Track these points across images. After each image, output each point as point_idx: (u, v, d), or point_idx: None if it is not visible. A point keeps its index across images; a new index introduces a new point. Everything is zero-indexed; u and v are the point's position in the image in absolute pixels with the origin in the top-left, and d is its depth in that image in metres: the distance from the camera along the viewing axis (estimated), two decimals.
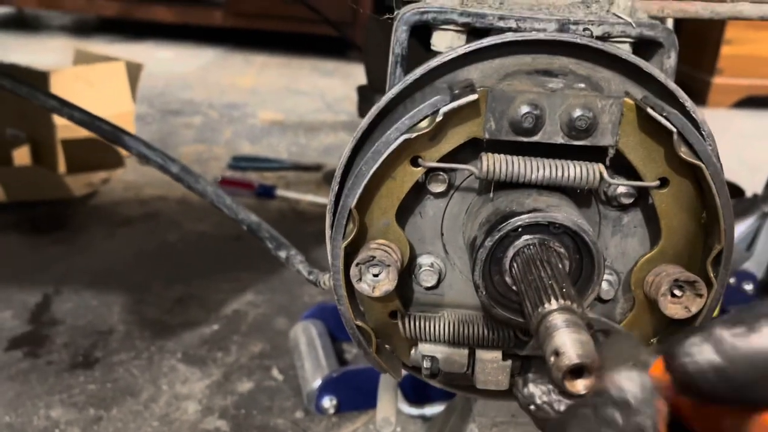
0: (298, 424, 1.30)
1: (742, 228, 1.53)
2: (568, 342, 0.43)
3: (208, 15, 4.46)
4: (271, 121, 3.23)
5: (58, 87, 2.24)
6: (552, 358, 0.43)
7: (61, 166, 2.27)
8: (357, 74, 4.13)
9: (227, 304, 1.67)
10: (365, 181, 0.55)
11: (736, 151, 3.19)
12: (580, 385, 0.42)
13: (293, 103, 3.55)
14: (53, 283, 1.70)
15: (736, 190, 2.27)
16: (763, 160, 2.96)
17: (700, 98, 4.11)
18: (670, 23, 0.99)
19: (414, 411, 1.27)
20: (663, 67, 0.65)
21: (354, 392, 1.30)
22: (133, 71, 2.63)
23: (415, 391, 1.29)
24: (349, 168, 0.61)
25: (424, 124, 0.54)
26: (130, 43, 4.62)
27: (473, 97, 0.52)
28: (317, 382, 1.30)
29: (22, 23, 5.01)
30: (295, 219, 2.17)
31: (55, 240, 1.94)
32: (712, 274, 0.56)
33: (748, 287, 1.45)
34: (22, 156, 2.22)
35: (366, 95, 1.57)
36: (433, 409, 1.26)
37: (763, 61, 3.96)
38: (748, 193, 1.93)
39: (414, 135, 0.53)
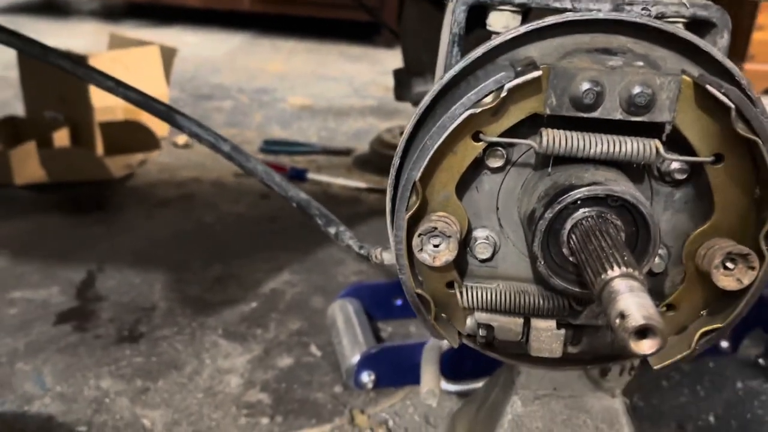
0: (337, 398, 1.33)
1: None
2: (633, 305, 0.45)
3: (236, 0, 4.50)
4: (300, 105, 3.26)
5: None
6: (617, 320, 0.45)
7: (99, 149, 2.32)
8: (384, 60, 4.16)
9: (265, 283, 1.71)
10: (430, 155, 0.57)
11: None
12: (645, 346, 0.44)
13: (322, 88, 3.58)
14: (96, 261, 1.76)
15: None
16: None
17: None
18: None
19: (451, 387, 1.30)
20: (716, 47, 0.66)
21: (392, 368, 1.34)
22: (168, 55, 2.68)
23: (452, 368, 1.31)
24: (411, 143, 0.64)
25: (488, 99, 0.56)
26: (157, 28, 4.67)
27: (537, 73, 0.54)
28: (356, 358, 1.33)
29: (52, 8, 5.09)
30: (327, 202, 2.20)
31: (96, 220, 2.00)
32: (764, 247, 0.58)
33: None
34: (61, 138, 2.28)
35: (402, 79, 1.58)
36: (469, 386, 1.29)
37: None
38: None
39: (479, 110, 0.56)
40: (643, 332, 0.44)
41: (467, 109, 0.56)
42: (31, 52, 1.03)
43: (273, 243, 1.89)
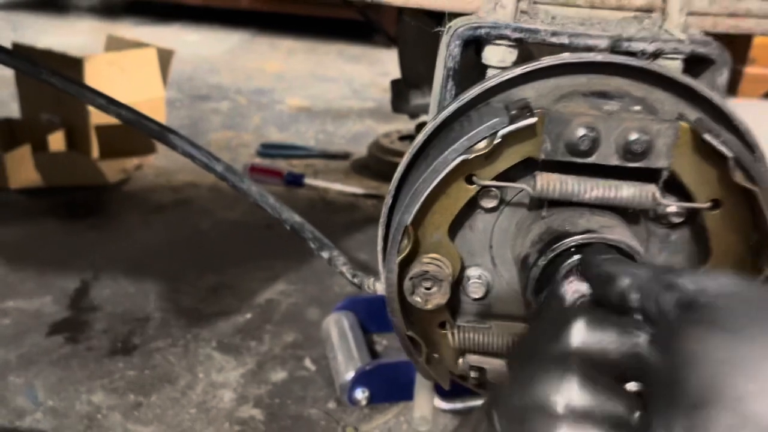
0: (331, 414, 1.33)
1: None
2: None
3: None
4: (298, 107, 3.25)
5: (92, 73, 2.27)
6: None
7: (95, 152, 2.31)
8: (383, 60, 4.14)
9: (260, 293, 1.70)
10: (422, 200, 0.56)
11: (765, 142, 3.15)
12: None
13: (320, 89, 3.56)
14: (91, 269, 1.75)
15: None
16: None
17: (732, 88, 4.04)
18: None
19: (446, 405, 1.30)
20: (715, 84, 0.65)
21: (386, 385, 1.33)
22: (165, 57, 2.65)
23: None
24: (403, 182, 0.63)
25: (481, 145, 0.55)
26: (157, 25, 4.65)
27: (532, 120, 0.53)
28: (350, 374, 1.33)
29: (50, 4, 5.06)
30: (324, 208, 2.19)
31: (91, 225, 1.98)
32: None
33: None
34: (56, 141, 2.26)
35: (400, 91, 1.57)
36: (465, 404, 1.29)
37: None
38: None
39: (471, 156, 0.55)
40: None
41: (460, 155, 0.55)
42: (21, 69, 1.02)
43: (269, 251, 1.88)
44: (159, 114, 2.61)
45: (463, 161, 0.55)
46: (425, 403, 1.01)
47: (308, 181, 2.38)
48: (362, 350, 1.39)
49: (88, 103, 1.03)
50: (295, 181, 2.37)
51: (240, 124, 2.95)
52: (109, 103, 1.04)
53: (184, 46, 4.02)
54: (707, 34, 0.67)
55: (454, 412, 1.30)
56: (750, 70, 4.00)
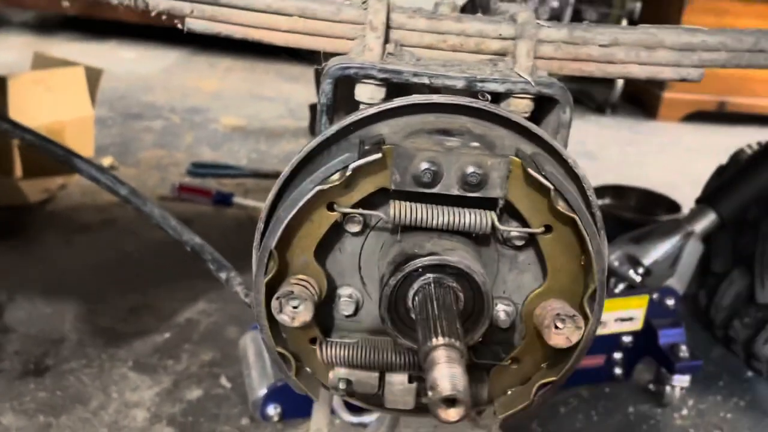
0: (244, 431, 1.36)
1: (667, 247, 1.64)
2: (445, 376, 0.50)
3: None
4: (233, 126, 3.27)
5: (17, 92, 2.25)
6: (430, 389, 0.50)
7: (17, 171, 2.28)
8: None
9: (180, 312, 1.71)
10: (283, 226, 0.61)
11: (681, 165, 3.34)
12: (451, 413, 0.49)
13: (256, 108, 3.59)
14: (6, 291, 1.73)
15: (672, 206, 2.40)
16: (706, 174, 3.11)
17: (652, 112, 4.27)
18: None
19: (354, 419, 1.34)
20: (560, 121, 0.73)
21: (298, 400, 1.36)
22: (93, 76, 2.64)
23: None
24: (274, 209, 0.68)
25: (335, 177, 0.60)
26: (93, 42, 4.59)
27: (378, 156, 0.59)
28: (263, 391, 1.36)
29: None
30: (251, 227, 2.20)
31: (10, 247, 1.96)
32: (588, 310, 0.64)
33: (671, 302, 1.55)
34: None
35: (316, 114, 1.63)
36: (372, 418, 1.33)
37: (709, 78, 4.12)
38: (686, 208, 2.05)
39: (327, 186, 0.60)
40: (452, 401, 0.50)
41: (316, 185, 0.60)
42: None
43: (192, 271, 1.88)
44: (87, 133, 2.59)
45: (321, 191, 0.61)
46: (321, 417, 1.06)
47: (237, 200, 2.41)
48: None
49: None
50: (223, 200, 2.39)
51: (172, 143, 2.95)
52: (14, 128, 1.06)
53: (119, 63, 4.00)
54: (553, 76, 0.75)
55: (362, 426, 1.35)
56: (668, 94, 4.24)
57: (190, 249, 1.00)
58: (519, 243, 0.67)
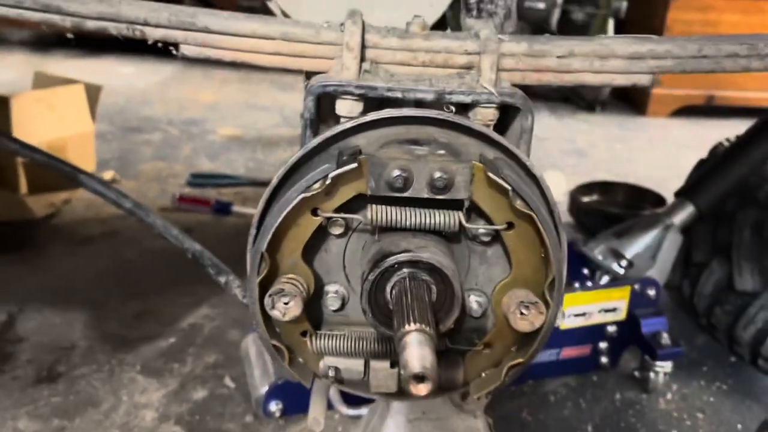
0: (248, 427, 1.43)
1: (647, 240, 1.71)
2: (415, 356, 0.57)
3: None
4: (229, 136, 3.34)
5: (19, 111, 2.33)
6: (403, 367, 0.57)
7: (23, 187, 2.36)
8: None
9: (184, 317, 1.79)
10: (272, 231, 0.69)
11: (670, 159, 3.42)
12: (420, 388, 0.56)
13: (252, 118, 3.67)
14: (17, 302, 1.80)
15: (658, 200, 2.47)
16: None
17: (641, 108, 4.34)
18: None
19: (352, 412, 1.42)
20: (523, 127, 0.81)
21: (298, 397, 1.44)
22: (93, 92, 2.72)
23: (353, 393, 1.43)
24: (265, 215, 0.75)
25: (317, 185, 0.68)
26: (90, 58, 4.67)
27: (354, 165, 0.67)
28: (264, 389, 1.43)
29: None
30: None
31: (17, 260, 2.03)
32: (549, 297, 0.72)
33: (651, 293, 1.62)
34: None
35: None
36: (366, 409, 1.41)
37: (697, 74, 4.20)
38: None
39: (310, 194, 0.68)
40: (421, 377, 0.57)
41: (300, 194, 0.68)
42: None
43: (193, 277, 1.96)
44: (88, 148, 2.67)
45: (305, 198, 0.68)
46: (318, 407, 1.12)
47: (236, 208, 2.48)
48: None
49: (2, 148, 1.12)
50: (223, 209, 2.46)
51: (171, 154, 3.03)
52: (22, 147, 1.14)
53: (117, 78, 4.08)
54: (517, 86, 0.82)
55: (358, 417, 1.42)
56: (657, 91, 4.32)
57: (191, 256, 1.07)
58: (486, 239, 0.75)
